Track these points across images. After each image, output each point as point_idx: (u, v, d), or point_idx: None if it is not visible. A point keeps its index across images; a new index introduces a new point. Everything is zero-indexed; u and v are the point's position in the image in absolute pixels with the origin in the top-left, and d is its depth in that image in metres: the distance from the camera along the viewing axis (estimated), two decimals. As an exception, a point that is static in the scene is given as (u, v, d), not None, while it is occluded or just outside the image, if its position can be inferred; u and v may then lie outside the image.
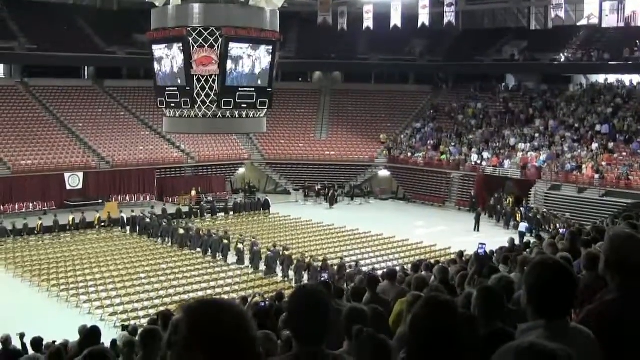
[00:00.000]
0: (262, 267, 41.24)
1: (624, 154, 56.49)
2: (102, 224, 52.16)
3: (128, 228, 52.03)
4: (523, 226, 49.57)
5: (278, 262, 40.98)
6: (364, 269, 36.79)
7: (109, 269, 40.20)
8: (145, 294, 34.65)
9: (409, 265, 24.90)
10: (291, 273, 39.50)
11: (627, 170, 53.24)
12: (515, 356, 2.61)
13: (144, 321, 27.73)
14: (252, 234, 48.56)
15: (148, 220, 51.47)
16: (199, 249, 45.77)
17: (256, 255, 42.14)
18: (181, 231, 48.14)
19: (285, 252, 41.50)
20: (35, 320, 28.63)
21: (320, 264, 38.24)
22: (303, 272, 38.78)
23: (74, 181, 58.96)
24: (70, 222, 51.39)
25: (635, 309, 4.46)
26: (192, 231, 48.37)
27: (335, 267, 37.36)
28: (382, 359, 5.31)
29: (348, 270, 36.54)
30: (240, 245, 43.93)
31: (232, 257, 43.60)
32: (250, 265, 42.22)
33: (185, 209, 58.06)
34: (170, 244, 48.07)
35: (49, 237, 49.68)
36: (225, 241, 44.73)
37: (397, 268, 24.97)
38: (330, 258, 40.28)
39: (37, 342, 16.35)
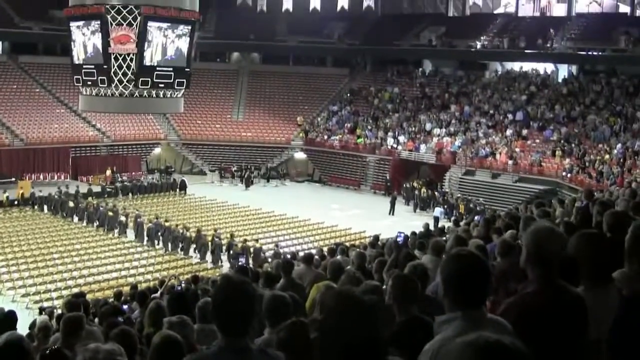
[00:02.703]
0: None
1: (537, 140, 57.45)
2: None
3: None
4: (438, 211, 50.17)
5: (159, 233, 42.61)
6: (281, 250, 37.04)
7: (21, 248, 39.42)
8: (58, 275, 34.27)
9: (325, 248, 25.06)
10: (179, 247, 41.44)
11: (540, 156, 54.17)
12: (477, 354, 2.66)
13: (57, 302, 27.50)
14: (136, 207, 49.73)
15: (43, 195, 51.51)
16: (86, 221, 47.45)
17: (140, 227, 43.56)
18: (70, 204, 48.99)
19: (165, 223, 42.83)
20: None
21: (239, 245, 38.64)
22: (180, 243, 40.90)
23: (-15, 159, 57.85)
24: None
25: (554, 300, 4.61)
26: (81, 204, 49.08)
27: (252, 249, 37.51)
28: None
29: (266, 254, 36.80)
30: (123, 218, 45.44)
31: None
32: (134, 238, 43.82)
33: (97, 189, 56.98)
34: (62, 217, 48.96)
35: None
36: (111, 214, 46.00)
37: (313, 251, 25.07)
38: (247, 240, 40.25)
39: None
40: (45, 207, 50.74)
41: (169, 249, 41.32)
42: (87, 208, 48.12)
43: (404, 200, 56.73)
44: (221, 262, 38.62)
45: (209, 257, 39.44)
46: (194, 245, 40.63)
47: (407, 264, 8.76)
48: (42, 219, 48.78)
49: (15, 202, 51.37)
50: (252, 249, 37.47)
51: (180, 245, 40.99)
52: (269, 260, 32.00)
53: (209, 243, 39.85)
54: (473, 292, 4.22)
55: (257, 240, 40.11)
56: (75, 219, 48.18)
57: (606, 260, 5.22)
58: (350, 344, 3.76)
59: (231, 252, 37.60)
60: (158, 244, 42.40)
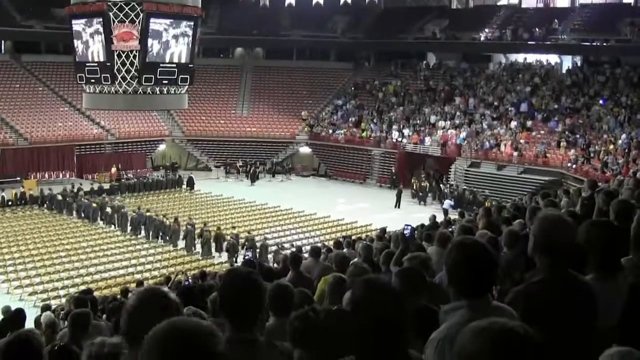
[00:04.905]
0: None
1: (542, 132, 57.40)
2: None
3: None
4: (447, 203, 50.10)
5: (141, 223, 44.40)
6: (286, 245, 37.18)
7: (27, 247, 39.51)
8: (65, 273, 34.32)
9: (331, 242, 25.03)
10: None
11: (545, 148, 54.11)
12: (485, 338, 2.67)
13: (64, 300, 27.44)
14: (119, 199, 51.94)
15: (33, 194, 52.88)
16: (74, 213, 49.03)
17: (123, 217, 45.35)
18: (59, 197, 50.28)
19: (147, 213, 44.68)
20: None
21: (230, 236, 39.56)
22: (160, 232, 42.79)
23: (-10, 158, 57.92)
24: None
25: (563, 289, 4.57)
26: (68, 197, 50.36)
27: (258, 244, 37.63)
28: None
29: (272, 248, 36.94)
30: (108, 209, 46.87)
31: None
32: (118, 228, 45.67)
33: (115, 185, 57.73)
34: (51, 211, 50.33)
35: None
36: (95, 205, 47.89)
37: (320, 245, 25.06)
38: (253, 235, 40.28)
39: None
40: (35, 206, 51.56)
41: (150, 237, 43.06)
42: (74, 201, 49.66)
43: (418, 200, 56.33)
44: (194, 249, 40.63)
45: (181, 244, 41.38)
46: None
47: (408, 255, 8.76)
48: (35, 216, 49.00)
49: (9, 202, 51.43)
50: (258, 244, 37.79)
51: (161, 234, 42.82)
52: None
53: (180, 231, 41.76)
54: (477, 280, 4.21)
55: (246, 231, 41.72)
56: (65, 213, 49.29)
57: (616, 249, 5.15)
58: (380, 324, 3.75)
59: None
60: (140, 232, 44.07)
